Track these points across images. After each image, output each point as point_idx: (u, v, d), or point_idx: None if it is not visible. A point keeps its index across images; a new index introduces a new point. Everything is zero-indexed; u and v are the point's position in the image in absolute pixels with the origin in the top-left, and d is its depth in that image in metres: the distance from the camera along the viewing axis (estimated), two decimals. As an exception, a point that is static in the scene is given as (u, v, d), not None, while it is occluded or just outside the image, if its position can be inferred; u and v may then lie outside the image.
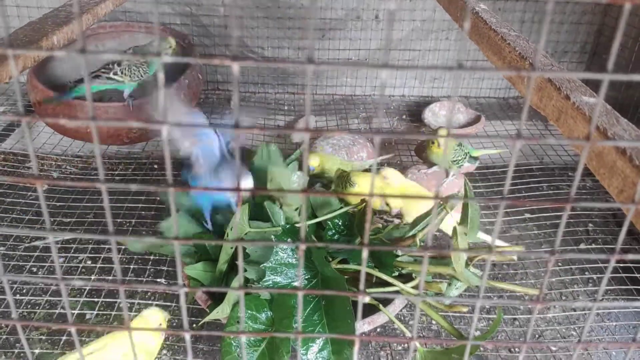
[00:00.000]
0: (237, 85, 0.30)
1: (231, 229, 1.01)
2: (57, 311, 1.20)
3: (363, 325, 0.96)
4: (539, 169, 1.83)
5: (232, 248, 0.98)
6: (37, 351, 1.11)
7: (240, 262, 0.37)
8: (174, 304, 1.20)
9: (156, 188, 0.35)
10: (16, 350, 1.12)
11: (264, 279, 0.93)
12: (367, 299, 0.93)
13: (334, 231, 1.14)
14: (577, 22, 2.07)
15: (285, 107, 2.07)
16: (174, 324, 1.19)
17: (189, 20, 2.01)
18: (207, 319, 0.94)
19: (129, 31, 1.95)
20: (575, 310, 1.34)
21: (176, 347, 1.15)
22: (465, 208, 0.97)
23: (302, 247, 0.38)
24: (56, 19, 0.81)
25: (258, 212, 1.08)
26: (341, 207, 1.16)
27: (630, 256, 0.35)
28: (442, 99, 2.07)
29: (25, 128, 0.32)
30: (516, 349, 1.20)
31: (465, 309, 1.17)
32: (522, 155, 1.88)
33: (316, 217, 1.11)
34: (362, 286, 0.39)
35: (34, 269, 1.30)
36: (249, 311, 0.93)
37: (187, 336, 0.40)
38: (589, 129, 0.27)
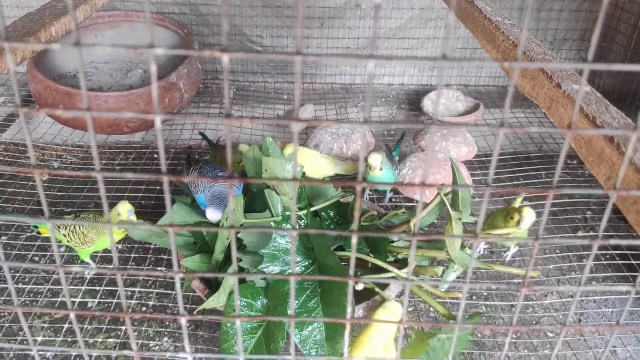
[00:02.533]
0: (227, 75, 0.31)
1: (226, 219, 1.02)
2: (59, 299, 1.22)
3: (358, 311, 0.97)
4: (537, 156, 1.83)
5: (227, 238, 0.99)
6: (39, 338, 1.13)
7: (233, 249, 0.38)
8: (174, 292, 1.22)
9: (151, 177, 0.36)
10: (19, 338, 1.13)
11: (261, 266, 0.94)
12: (360, 286, 0.94)
13: (329, 221, 1.16)
14: (577, 10, 2.06)
15: (285, 96, 2.08)
16: (175, 312, 1.21)
17: (187, 9, 2.00)
18: (202, 306, 0.95)
19: (127, 21, 1.96)
20: (572, 297, 1.36)
21: (177, 334, 1.17)
22: (455, 191, 0.98)
23: (294, 234, 0.39)
24: (54, 10, 0.82)
25: (254, 204, 1.09)
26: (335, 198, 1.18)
27: (612, 241, 0.36)
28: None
29: (22, 120, 0.33)
30: (514, 335, 1.22)
31: (460, 294, 1.18)
32: (521, 143, 1.88)
33: (312, 207, 1.12)
34: (351, 271, 0.40)
35: (36, 258, 1.32)
36: (245, 299, 0.94)
37: (184, 320, 0.41)
38: (571, 117, 0.27)
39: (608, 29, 2.04)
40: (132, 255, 1.32)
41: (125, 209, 1.09)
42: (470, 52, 2.10)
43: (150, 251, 1.34)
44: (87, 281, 1.26)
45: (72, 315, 0.42)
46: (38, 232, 1.27)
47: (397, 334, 0.93)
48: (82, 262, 1.25)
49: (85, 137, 1.77)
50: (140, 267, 1.29)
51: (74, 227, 1.14)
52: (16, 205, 1.47)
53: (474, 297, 1.31)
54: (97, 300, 1.22)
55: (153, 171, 1.65)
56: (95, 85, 1.84)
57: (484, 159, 1.76)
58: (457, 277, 1.13)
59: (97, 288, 1.25)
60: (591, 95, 0.55)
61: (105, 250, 1.33)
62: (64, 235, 1.17)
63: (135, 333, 1.17)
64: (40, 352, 1.09)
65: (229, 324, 0.91)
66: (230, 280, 0.89)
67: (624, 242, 0.34)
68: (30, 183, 1.55)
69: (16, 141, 1.75)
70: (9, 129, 1.80)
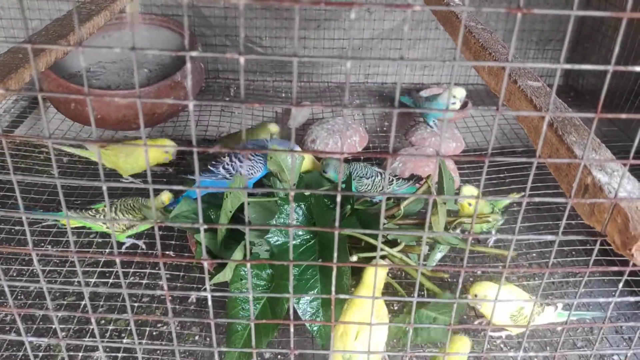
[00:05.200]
0: (242, 71, 0.41)
1: (230, 194, 1.12)
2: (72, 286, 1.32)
3: (353, 282, 1.08)
4: (523, 151, 1.94)
5: (230, 211, 1.10)
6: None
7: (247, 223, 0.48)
8: (182, 273, 1.32)
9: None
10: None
11: (267, 236, 1.05)
12: (354, 258, 1.05)
13: (325, 207, 1.27)
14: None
15: (283, 94, 2.19)
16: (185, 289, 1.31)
17: (190, 11, 2.10)
18: (211, 282, 1.06)
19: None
20: (553, 283, 1.46)
21: (184, 314, 1.27)
22: (440, 179, 1.09)
23: (292, 193, 0.50)
24: (79, 16, 0.91)
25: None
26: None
27: (537, 199, 0.46)
28: (431, 86, 2.18)
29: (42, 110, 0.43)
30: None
31: (446, 275, 1.29)
32: (507, 139, 1.99)
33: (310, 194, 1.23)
34: (335, 259, 0.51)
35: (49, 246, 1.42)
36: (252, 269, 1.04)
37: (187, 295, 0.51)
38: (499, 104, 0.38)
39: (591, 30, 2.15)
40: (142, 241, 1.42)
41: (167, 197, 1.30)
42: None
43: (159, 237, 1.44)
44: (101, 264, 1.36)
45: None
46: (56, 220, 1.37)
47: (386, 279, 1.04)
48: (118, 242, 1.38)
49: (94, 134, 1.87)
50: (151, 251, 1.38)
51: (117, 215, 1.28)
52: (31, 196, 1.57)
53: (454, 279, 1.41)
54: (109, 282, 1.32)
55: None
56: (103, 84, 1.94)
57: (472, 153, 1.86)
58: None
59: (111, 270, 1.35)
60: (542, 89, 0.66)
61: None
62: (103, 224, 1.30)
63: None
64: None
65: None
66: (236, 255, 1.00)
67: (547, 199, 0.44)
68: (43, 176, 1.65)
69: (28, 138, 1.85)
70: (21, 125, 1.90)
